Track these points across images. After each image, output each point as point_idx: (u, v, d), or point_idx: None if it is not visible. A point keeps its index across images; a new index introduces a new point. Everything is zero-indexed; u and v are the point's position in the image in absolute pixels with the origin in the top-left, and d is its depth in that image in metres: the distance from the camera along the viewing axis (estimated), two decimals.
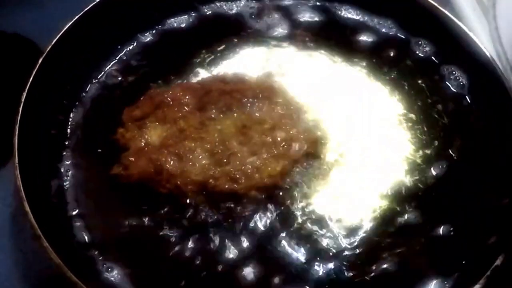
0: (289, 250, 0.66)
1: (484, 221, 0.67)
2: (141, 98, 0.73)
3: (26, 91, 0.68)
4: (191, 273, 0.64)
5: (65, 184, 0.69)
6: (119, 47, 0.79)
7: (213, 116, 0.71)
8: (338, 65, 0.79)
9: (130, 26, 0.80)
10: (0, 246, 0.72)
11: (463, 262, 0.65)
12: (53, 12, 0.88)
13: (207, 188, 0.66)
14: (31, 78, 0.69)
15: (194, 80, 0.77)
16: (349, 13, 0.83)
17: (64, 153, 0.72)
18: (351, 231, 0.67)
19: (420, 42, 0.81)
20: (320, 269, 0.64)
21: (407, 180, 0.70)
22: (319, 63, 0.79)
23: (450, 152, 0.73)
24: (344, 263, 0.65)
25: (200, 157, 0.68)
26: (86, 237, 0.66)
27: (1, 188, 0.74)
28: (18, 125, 0.66)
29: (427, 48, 0.81)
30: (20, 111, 0.66)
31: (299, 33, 0.82)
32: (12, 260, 0.71)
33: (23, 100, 0.67)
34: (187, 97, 0.72)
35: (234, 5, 0.84)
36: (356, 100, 0.77)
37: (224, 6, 0.84)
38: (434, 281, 0.64)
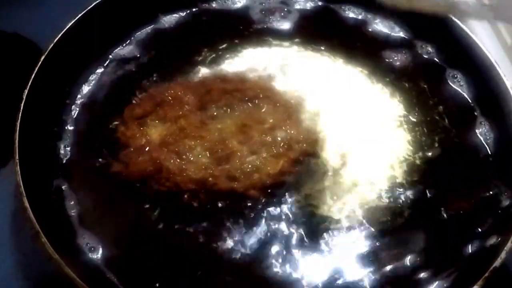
0: (287, 250, 0.65)
1: (484, 222, 0.67)
2: (142, 96, 0.73)
3: (27, 88, 0.68)
4: (190, 270, 0.64)
5: (65, 180, 0.69)
6: (120, 45, 0.80)
7: (213, 115, 0.71)
8: (340, 65, 0.79)
9: (131, 24, 0.80)
10: (0, 246, 0.72)
11: (462, 263, 0.65)
12: (53, 12, 0.89)
13: (206, 187, 0.66)
14: (32, 76, 0.69)
15: (195, 78, 0.77)
16: (352, 13, 0.84)
17: (65, 150, 0.72)
18: (350, 232, 0.67)
19: (422, 44, 0.81)
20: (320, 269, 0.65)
21: (406, 181, 0.70)
22: (321, 64, 0.79)
23: (450, 153, 0.73)
24: (343, 263, 0.65)
25: (200, 155, 0.68)
26: (85, 234, 0.66)
27: (1, 188, 0.74)
28: (19, 121, 0.66)
29: (430, 50, 0.81)
30: (21, 108, 0.66)
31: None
32: (12, 260, 0.71)
33: (24, 97, 0.67)
34: (187, 95, 0.72)
35: (237, 3, 0.84)
36: (357, 101, 0.77)
37: (228, 1, 0.84)
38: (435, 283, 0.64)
